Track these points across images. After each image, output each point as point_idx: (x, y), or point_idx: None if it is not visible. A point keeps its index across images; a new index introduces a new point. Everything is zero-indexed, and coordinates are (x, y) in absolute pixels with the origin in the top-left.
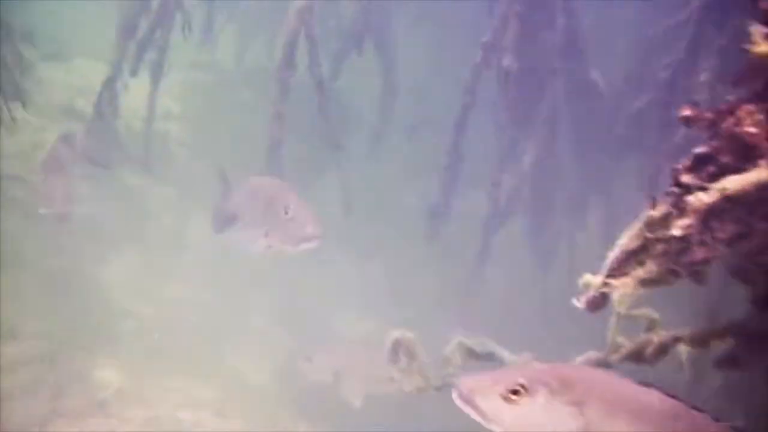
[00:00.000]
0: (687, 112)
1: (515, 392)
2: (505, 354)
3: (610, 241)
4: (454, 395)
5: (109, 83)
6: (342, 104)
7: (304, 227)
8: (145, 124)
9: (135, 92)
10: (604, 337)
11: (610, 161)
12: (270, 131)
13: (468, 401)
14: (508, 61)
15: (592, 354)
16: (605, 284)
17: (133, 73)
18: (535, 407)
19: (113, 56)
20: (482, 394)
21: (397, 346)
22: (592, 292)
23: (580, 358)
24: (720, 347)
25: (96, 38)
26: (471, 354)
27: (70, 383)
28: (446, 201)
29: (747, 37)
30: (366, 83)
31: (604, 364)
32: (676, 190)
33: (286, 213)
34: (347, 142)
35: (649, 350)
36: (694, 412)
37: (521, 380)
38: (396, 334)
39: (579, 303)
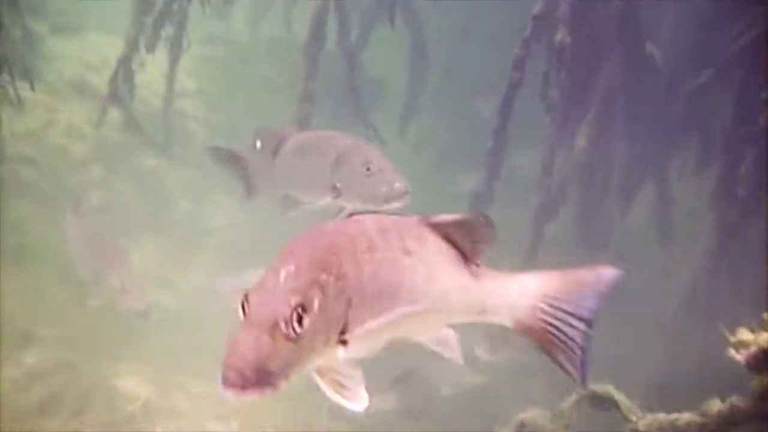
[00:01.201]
0: None
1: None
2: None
3: (661, 227)
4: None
5: (125, 60)
6: (372, 79)
7: (392, 183)
8: (164, 103)
9: (148, 67)
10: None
11: (666, 143)
12: (299, 110)
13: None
14: (561, 34)
15: None
16: None
17: (150, 48)
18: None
19: (129, 31)
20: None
21: None
22: (753, 349)
23: None
24: None
25: (110, 11)
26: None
27: (93, 396)
28: (490, 186)
29: None
30: (396, 56)
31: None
32: None
33: (368, 169)
34: (377, 120)
35: None
36: None
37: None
38: None
39: (739, 357)
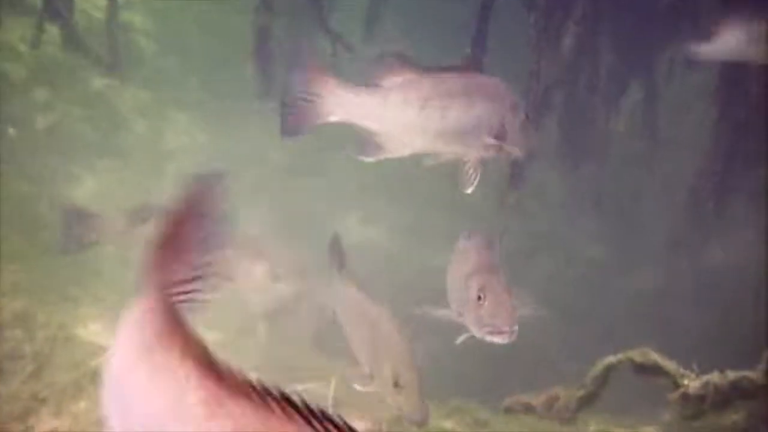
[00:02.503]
0: None
1: None
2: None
3: (647, 129)
4: None
5: None
6: None
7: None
8: (107, 16)
9: None
10: None
11: (649, 46)
12: (258, 20)
13: None
14: None
15: None
16: None
17: None
18: None
19: None
20: None
21: None
22: None
23: None
24: None
25: None
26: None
27: (53, 353)
28: None
29: None
30: None
31: None
32: None
33: (480, 299)
34: (341, 29)
35: None
36: None
37: None
38: None
39: None
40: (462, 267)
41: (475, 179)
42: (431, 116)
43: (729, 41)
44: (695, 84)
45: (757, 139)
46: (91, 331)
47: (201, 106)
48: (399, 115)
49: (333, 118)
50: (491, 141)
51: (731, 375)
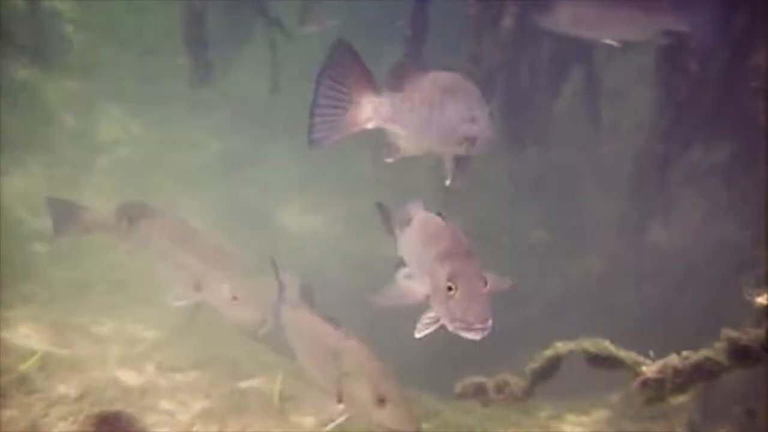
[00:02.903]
0: None
1: None
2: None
3: (588, 112)
4: None
5: None
6: None
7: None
8: (31, 2)
9: None
10: None
11: None
12: (189, 6)
13: None
14: None
15: None
16: None
17: None
18: None
19: None
20: None
21: None
22: None
23: None
24: None
25: None
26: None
27: None
28: None
29: None
30: None
31: None
32: None
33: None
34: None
35: None
36: None
37: None
38: None
39: None
40: (429, 246)
41: (452, 172)
42: (435, 116)
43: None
44: (635, 66)
45: (699, 121)
46: (20, 334)
47: (133, 97)
48: (418, 117)
49: (370, 125)
50: (469, 137)
51: (693, 357)
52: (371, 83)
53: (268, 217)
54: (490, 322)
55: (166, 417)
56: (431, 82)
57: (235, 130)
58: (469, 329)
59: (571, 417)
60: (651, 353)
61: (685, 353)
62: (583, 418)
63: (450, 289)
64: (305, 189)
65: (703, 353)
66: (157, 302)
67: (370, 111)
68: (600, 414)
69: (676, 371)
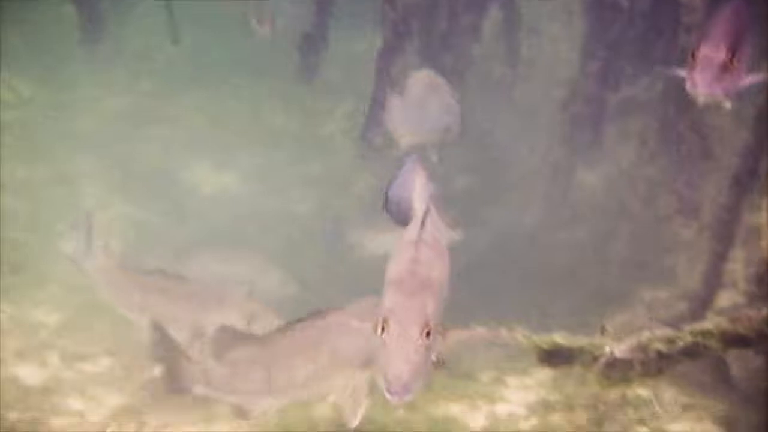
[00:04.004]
0: None
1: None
2: None
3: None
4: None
5: None
6: None
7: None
8: None
9: None
10: None
11: None
12: None
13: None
14: None
15: None
16: None
17: None
18: None
19: None
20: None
21: None
22: None
23: None
24: None
25: None
26: None
27: None
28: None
29: None
30: None
31: None
32: None
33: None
34: None
35: None
36: None
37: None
38: None
39: None
40: (392, 263)
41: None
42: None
43: None
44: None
45: (629, 58)
46: None
47: (20, 57)
48: (420, 115)
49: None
50: (450, 127)
51: (679, 340)
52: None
53: (175, 177)
54: (409, 393)
55: (75, 419)
56: (417, 84)
57: (133, 87)
58: (387, 389)
59: (512, 380)
60: (608, 328)
61: (662, 332)
62: (526, 380)
63: (382, 329)
64: (213, 145)
65: (691, 336)
66: (59, 281)
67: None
68: (542, 374)
69: (655, 353)
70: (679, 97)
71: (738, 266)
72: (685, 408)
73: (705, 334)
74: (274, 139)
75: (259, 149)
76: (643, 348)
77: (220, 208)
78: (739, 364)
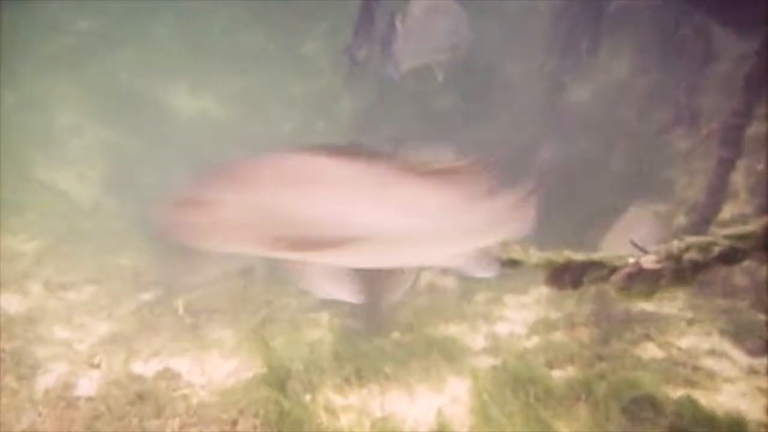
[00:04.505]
0: None
1: None
2: None
3: None
4: None
5: None
6: None
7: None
8: None
9: None
10: None
11: None
12: None
13: None
14: None
15: None
16: None
17: None
18: None
19: None
20: None
21: None
22: None
23: None
24: None
25: None
26: None
27: None
28: None
29: None
30: None
31: None
32: None
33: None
34: None
35: None
36: None
37: None
38: None
39: None
40: None
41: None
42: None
43: None
44: None
45: None
46: None
47: None
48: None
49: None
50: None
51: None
52: None
53: (152, 101)
54: None
55: (62, 348)
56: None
57: (105, 7)
58: None
59: (510, 299)
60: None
61: (694, 239)
62: (524, 299)
63: None
64: (190, 67)
65: (727, 240)
66: (36, 209)
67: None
68: (540, 292)
69: (689, 262)
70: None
71: (738, 177)
72: (692, 322)
73: (743, 237)
74: (253, 60)
75: (238, 70)
76: (674, 257)
77: (200, 132)
78: (745, 276)
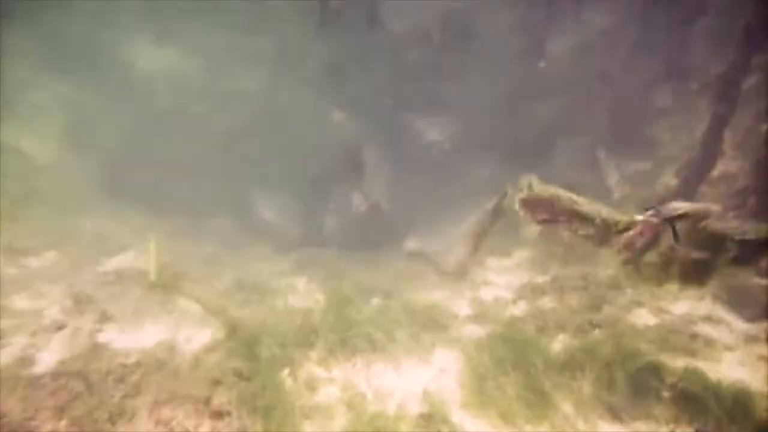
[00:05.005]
0: None
1: None
2: None
3: None
4: None
5: None
6: None
7: None
8: None
9: None
10: None
11: None
12: None
13: None
14: None
15: None
16: None
17: None
18: None
19: None
20: None
21: None
22: None
23: None
24: None
25: None
26: None
27: None
28: None
29: None
30: None
31: None
32: None
33: None
34: None
35: None
36: None
37: None
38: None
39: None
40: None
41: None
42: None
43: None
44: None
45: None
46: None
47: None
48: None
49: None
50: None
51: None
52: None
53: (111, 53)
54: None
55: (23, 319)
56: None
57: None
58: None
59: (492, 261)
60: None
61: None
62: (506, 261)
63: None
64: (150, 16)
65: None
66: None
67: None
68: (522, 255)
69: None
70: None
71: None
72: (685, 288)
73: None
74: (218, 8)
75: (202, 19)
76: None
77: (164, 87)
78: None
